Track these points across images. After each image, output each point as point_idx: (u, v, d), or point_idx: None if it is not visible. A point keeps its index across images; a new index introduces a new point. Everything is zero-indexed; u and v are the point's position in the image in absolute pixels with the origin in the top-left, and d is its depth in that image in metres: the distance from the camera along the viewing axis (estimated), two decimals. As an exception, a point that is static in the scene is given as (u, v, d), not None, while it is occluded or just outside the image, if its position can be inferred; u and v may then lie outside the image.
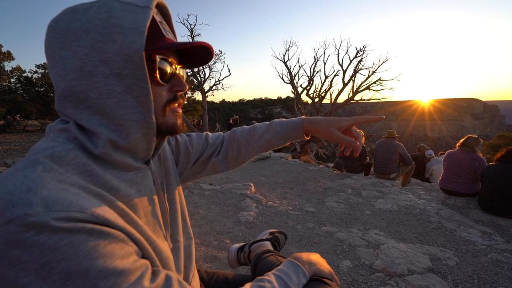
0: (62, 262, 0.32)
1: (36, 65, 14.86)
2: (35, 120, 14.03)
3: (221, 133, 0.81)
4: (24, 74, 14.74)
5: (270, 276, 0.58)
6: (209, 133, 0.80)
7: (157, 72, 0.46)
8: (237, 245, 1.05)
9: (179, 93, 0.51)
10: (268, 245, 0.96)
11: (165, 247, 0.52)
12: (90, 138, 0.43)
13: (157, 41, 0.46)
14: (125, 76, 0.42)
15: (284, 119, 0.77)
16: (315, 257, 0.68)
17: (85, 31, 0.41)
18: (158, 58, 0.46)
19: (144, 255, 0.44)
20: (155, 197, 0.54)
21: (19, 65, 14.72)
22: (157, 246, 0.48)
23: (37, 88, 14.71)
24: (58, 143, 0.42)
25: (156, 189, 0.54)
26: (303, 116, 0.76)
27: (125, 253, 0.38)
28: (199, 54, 0.54)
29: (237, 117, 10.59)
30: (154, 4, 0.45)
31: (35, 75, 14.64)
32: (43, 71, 14.61)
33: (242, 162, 0.79)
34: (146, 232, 0.46)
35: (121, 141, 0.44)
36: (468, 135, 3.41)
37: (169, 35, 0.49)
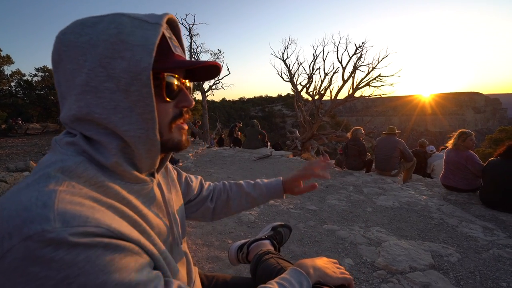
0: (80, 277, 0.32)
1: (35, 68, 14.87)
2: (36, 123, 14.05)
3: (211, 183, 0.88)
4: (24, 78, 14.78)
5: (273, 284, 0.58)
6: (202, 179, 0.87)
7: (164, 89, 0.46)
8: (239, 242, 1.05)
9: (185, 109, 0.51)
10: (268, 245, 0.95)
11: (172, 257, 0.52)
12: (99, 150, 0.43)
13: (166, 58, 0.46)
14: (131, 92, 0.42)
15: (265, 180, 0.88)
16: (321, 262, 0.67)
17: (93, 46, 0.41)
18: (165, 75, 0.46)
19: (156, 266, 0.44)
20: (163, 209, 0.54)
21: (18, 69, 14.76)
22: (167, 256, 0.49)
23: (37, 92, 14.73)
24: (68, 156, 0.41)
25: (163, 201, 0.55)
26: (281, 178, 0.89)
27: (139, 265, 0.39)
28: (206, 68, 0.54)
29: (240, 125, 10.08)
30: (165, 20, 0.45)
31: (35, 78, 14.65)
32: (43, 74, 14.63)
33: (226, 215, 0.86)
34: (157, 242, 0.47)
35: (129, 152, 0.45)
36: (459, 130, 3.40)
37: (178, 51, 0.49)
